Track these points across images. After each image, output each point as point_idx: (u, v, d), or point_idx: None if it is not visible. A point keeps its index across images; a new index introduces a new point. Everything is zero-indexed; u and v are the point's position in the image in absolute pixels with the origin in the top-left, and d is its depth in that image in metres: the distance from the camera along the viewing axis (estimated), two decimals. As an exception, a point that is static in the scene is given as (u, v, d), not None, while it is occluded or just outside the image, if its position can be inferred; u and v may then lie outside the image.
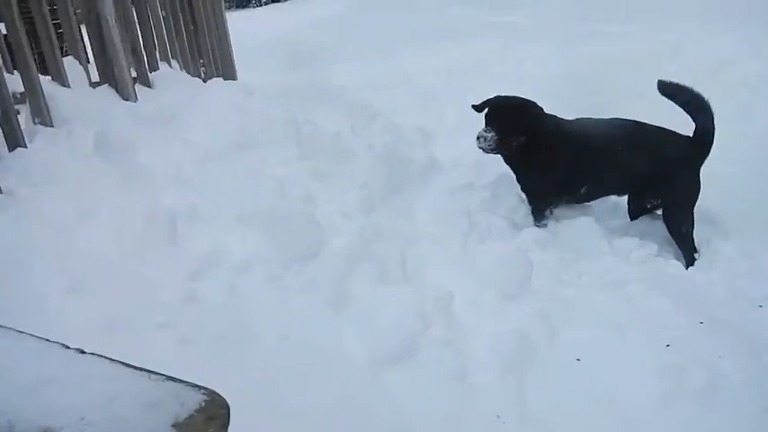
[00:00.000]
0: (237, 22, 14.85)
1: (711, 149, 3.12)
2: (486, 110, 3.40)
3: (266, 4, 18.85)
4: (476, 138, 3.31)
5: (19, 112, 2.67)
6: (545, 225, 3.39)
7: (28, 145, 2.56)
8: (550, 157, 3.28)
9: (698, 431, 1.84)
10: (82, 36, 3.35)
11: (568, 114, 3.49)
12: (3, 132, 2.50)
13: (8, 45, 2.72)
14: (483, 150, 3.32)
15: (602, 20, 8.83)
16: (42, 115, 2.72)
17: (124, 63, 3.36)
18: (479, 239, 2.97)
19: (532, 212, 3.46)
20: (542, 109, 3.33)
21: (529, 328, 2.26)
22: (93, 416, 0.89)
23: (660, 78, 3.17)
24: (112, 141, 2.70)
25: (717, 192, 3.51)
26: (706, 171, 3.32)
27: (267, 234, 2.39)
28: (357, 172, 3.31)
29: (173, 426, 0.92)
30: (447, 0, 14.14)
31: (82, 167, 2.48)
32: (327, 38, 10.51)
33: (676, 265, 3.08)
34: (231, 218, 2.44)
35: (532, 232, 3.28)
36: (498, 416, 1.88)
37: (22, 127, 2.60)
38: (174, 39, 4.38)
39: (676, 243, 3.23)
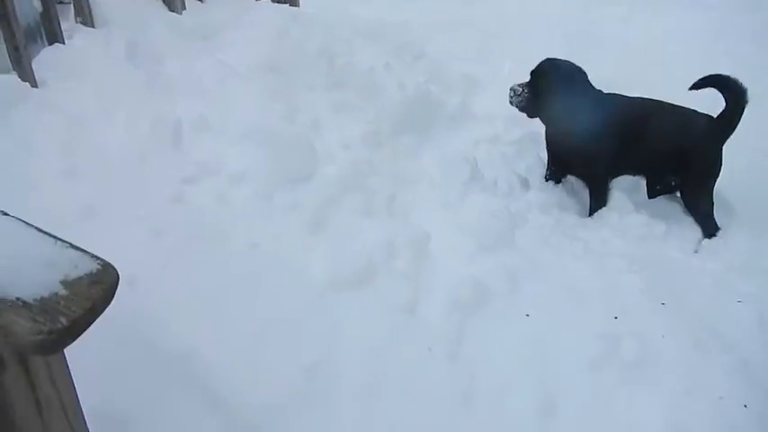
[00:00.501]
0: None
1: (736, 128, 3.05)
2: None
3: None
4: (509, 88, 3.28)
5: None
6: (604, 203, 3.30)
7: (66, 41, 2.77)
8: (591, 130, 3.15)
9: (613, 400, 1.92)
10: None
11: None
12: (43, 27, 2.71)
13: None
14: (512, 105, 3.28)
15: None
16: (84, 15, 2.91)
17: (175, -28, 3.50)
18: (480, 190, 3.02)
19: (592, 196, 3.35)
20: (587, 77, 3.25)
21: (490, 278, 2.36)
22: (-4, 262, 1.05)
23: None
24: (145, 48, 2.87)
25: (748, 180, 3.43)
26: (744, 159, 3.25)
27: (266, 153, 2.53)
28: (378, 108, 3.39)
29: (60, 282, 1.08)
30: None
31: (110, 69, 2.67)
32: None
33: (677, 249, 3.06)
34: (236, 133, 2.59)
35: (540, 194, 3.31)
36: (430, 348, 2.01)
37: (64, 24, 2.80)
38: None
39: (695, 218, 3.22)
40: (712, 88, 3.08)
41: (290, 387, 1.82)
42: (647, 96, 3.33)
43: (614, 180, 3.50)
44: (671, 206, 3.43)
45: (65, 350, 1.09)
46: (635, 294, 2.41)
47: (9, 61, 2.49)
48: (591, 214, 3.26)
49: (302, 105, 3.03)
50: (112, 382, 1.61)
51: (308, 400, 1.80)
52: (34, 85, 2.48)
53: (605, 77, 4.87)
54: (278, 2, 5.10)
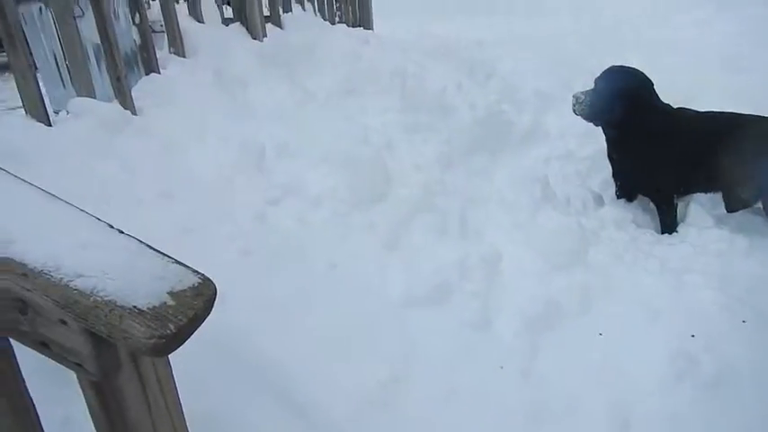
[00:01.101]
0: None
1: None
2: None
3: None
4: (572, 95, 3.26)
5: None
6: (675, 230, 3.21)
7: (161, 71, 3.00)
8: (655, 145, 3.12)
9: (690, 421, 1.89)
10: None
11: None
12: (141, 57, 2.96)
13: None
14: (576, 113, 3.25)
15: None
16: (176, 46, 3.15)
17: (255, 5, 3.72)
18: (552, 208, 3.03)
19: (659, 214, 3.28)
20: (653, 88, 3.17)
21: (562, 296, 2.38)
22: (114, 273, 1.20)
23: None
24: (230, 75, 3.08)
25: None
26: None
27: (342, 175, 2.66)
28: (449, 129, 3.47)
29: (168, 293, 1.21)
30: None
31: (199, 95, 2.88)
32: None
33: (760, 264, 2.95)
34: (315, 157, 2.74)
35: (615, 210, 3.28)
36: (502, 366, 2.06)
37: (159, 53, 3.05)
38: (311, -18, 4.70)
39: None
40: None
41: (367, 399, 1.90)
42: (718, 110, 3.22)
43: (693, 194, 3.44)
44: (754, 220, 3.31)
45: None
46: (714, 312, 2.36)
47: (112, 90, 2.74)
48: (663, 233, 3.19)
49: (377, 127, 3.15)
50: (205, 387, 1.74)
51: (383, 412, 1.88)
52: (134, 112, 2.71)
53: (682, 85, 4.79)
54: (353, 25, 5.33)
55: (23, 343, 1.30)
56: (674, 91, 4.39)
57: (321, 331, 2.00)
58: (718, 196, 3.41)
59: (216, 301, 1.90)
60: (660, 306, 2.37)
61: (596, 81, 3.19)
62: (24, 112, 2.34)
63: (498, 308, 2.31)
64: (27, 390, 1.24)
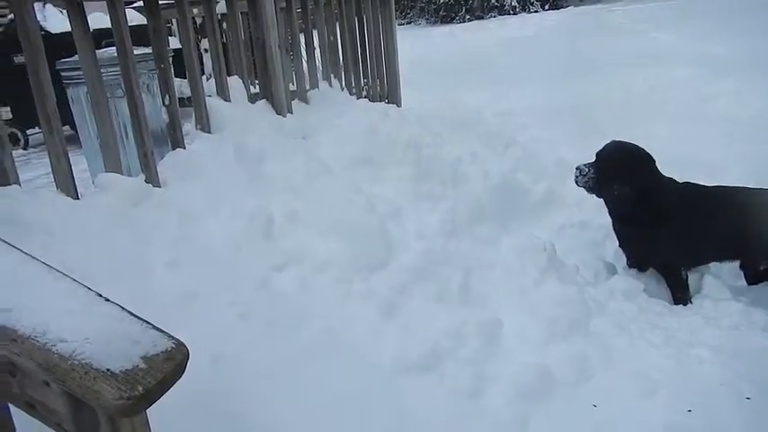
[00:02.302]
0: (436, 38, 15.59)
1: None
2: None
3: (469, 20, 19.48)
4: (575, 167, 3.34)
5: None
6: (690, 301, 3.24)
7: (186, 146, 3.24)
8: (659, 219, 3.19)
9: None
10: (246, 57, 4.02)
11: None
12: (169, 135, 3.21)
13: (179, 60, 3.42)
14: (578, 185, 3.33)
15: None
16: (203, 123, 3.40)
17: (281, 83, 3.98)
18: (557, 278, 3.06)
19: (669, 286, 3.32)
20: (654, 164, 3.25)
21: (559, 366, 2.39)
22: (95, 339, 1.32)
23: None
24: (250, 149, 3.28)
25: None
26: None
27: (347, 243, 2.78)
28: (459, 197, 3.58)
29: (141, 357, 1.33)
30: (659, 24, 13.51)
31: (219, 169, 3.08)
32: (510, 60, 10.73)
33: (774, 340, 2.89)
34: (323, 225, 2.87)
35: (625, 280, 3.29)
36: (491, 435, 2.08)
37: (186, 131, 3.29)
38: (339, 61, 4.98)
39: None
40: None
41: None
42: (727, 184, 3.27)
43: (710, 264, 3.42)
44: (774, 293, 3.26)
45: (150, 416, 1.32)
46: (715, 387, 2.33)
47: (140, 164, 2.98)
48: (676, 303, 3.18)
49: (386, 196, 3.28)
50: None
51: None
52: (157, 185, 2.92)
53: (708, 155, 4.79)
54: (380, 99, 5.57)
55: (15, 404, 1.44)
56: (702, 162, 4.43)
57: (312, 398, 2.08)
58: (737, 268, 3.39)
59: (209, 364, 2.02)
60: (658, 378, 2.35)
61: (597, 155, 3.28)
62: (56, 188, 2.58)
63: (492, 376, 2.34)
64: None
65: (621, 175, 3.19)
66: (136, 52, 3.04)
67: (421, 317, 2.53)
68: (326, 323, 2.39)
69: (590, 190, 3.31)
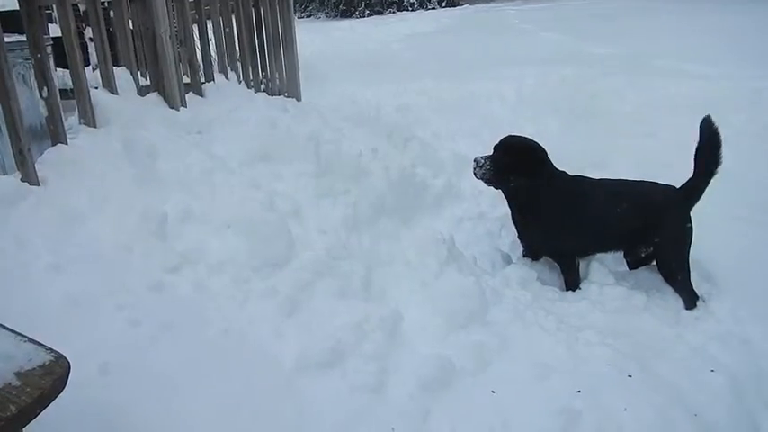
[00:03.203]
0: (336, 32, 15.59)
1: (701, 197, 3.18)
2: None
3: (369, 15, 19.61)
4: (473, 159, 3.44)
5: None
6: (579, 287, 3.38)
7: (69, 142, 3.02)
8: (552, 211, 3.33)
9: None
10: (135, 47, 3.83)
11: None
12: (48, 129, 2.98)
13: (61, 49, 3.19)
14: (477, 177, 3.42)
15: (691, 59, 8.65)
16: (87, 117, 3.19)
17: (174, 74, 3.81)
18: (456, 269, 3.13)
19: (562, 273, 3.46)
20: (547, 157, 3.38)
21: (459, 356, 2.45)
22: (-44, 356, 1.19)
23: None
24: (140, 145, 3.10)
25: (729, 249, 3.51)
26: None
27: (245, 241, 2.70)
28: (361, 192, 3.57)
29: (15, 373, 1.23)
30: (547, 25, 14.18)
31: (106, 166, 2.90)
32: (409, 56, 10.91)
33: (656, 320, 3.10)
34: (219, 223, 2.77)
35: (520, 269, 3.42)
36: (393, 429, 2.09)
37: (68, 125, 3.08)
38: (236, 53, 4.84)
39: (674, 289, 3.27)
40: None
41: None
42: (609, 176, 3.47)
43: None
44: (653, 276, 3.49)
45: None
46: (602, 367, 2.47)
47: (15, 162, 2.74)
48: (567, 290, 3.35)
49: (287, 192, 3.22)
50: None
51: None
52: (35, 183, 2.70)
53: (595, 149, 5.07)
54: (279, 93, 5.46)
55: None
56: (590, 156, 4.68)
57: (210, 402, 2.00)
58: (620, 255, 3.61)
59: (97, 375, 1.90)
60: (551, 363, 2.47)
61: (494, 148, 3.38)
62: None
63: (394, 369, 2.35)
64: None
65: (517, 167, 3.30)
66: (8, 39, 2.79)
67: (323, 314, 2.51)
68: (225, 324, 2.32)
69: (487, 182, 3.41)
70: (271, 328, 2.38)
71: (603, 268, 3.51)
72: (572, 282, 3.38)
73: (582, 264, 3.56)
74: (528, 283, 3.29)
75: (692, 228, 3.20)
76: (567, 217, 3.29)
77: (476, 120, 6.31)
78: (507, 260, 3.63)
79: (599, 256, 3.59)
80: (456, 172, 4.65)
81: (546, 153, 3.35)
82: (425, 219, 3.76)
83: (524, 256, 3.61)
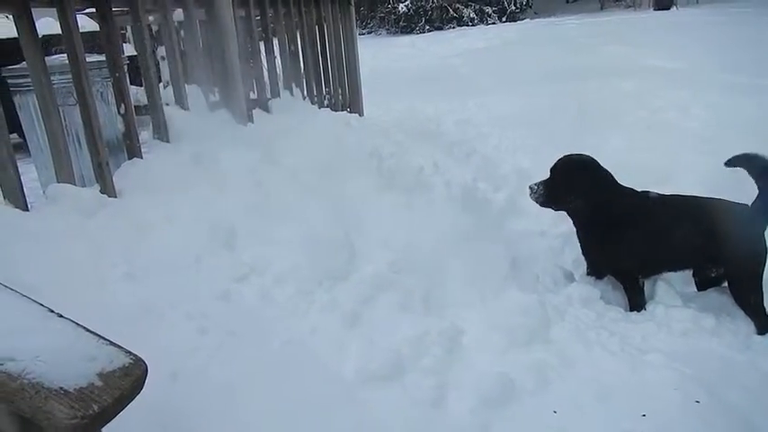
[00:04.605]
0: (397, 48, 15.70)
1: None
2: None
3: (429, 31, 19.73)
4: (527, 186, 3.41)
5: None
6: (644, 307, 3.27)
7: (144, 156, 3.17)
8: (616, 228, 3.24)
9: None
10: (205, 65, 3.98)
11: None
12: (125, 144, 3.14)
13: (137, 68, 3.35)
14: (536, 202, 3.39)
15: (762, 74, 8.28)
16: (160, 132, 3.34)
17: (242, 91, 3.94)
18: (517, 286, 3.10)
19: (626, 293, 3.36)
20: (604, 174, 3.30)
21: (520, 374, 2.41)
22: (47, 357, 1.28)
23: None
24: (210, 159, 3.23)
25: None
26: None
27: (309, 253, 2.76)
28: (423, 206, 3.59)
29: (97, 374, 1.29)
30: (607, 39, 13.90)
31: (177, 179, 3.02)
32: (469, 70, 10.89)
33: (725, 344, 2.97)
34: (285, 236, 2.85)
35: (583, 287, 3.33)
36: (452, 445, 2.08)
37: (143, 140, 3.23)
38: (300, 70, 4.97)
39: (746, 313, 3.13)
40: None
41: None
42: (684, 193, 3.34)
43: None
44: (723, 299, 3.36)
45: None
46: (668, 391, 2.38)
47: (94, 175, 2.90)
48: (631, 310, 3.25)
49: (349, 206, 3.28)
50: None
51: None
52: (113, 195, 2.85)
53: (658, 165, 4.93)
54: (342, 108, 5.57)
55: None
56: (654, 171, 4.55)
57: (271, 411, 2.04)
58: (689, 275, 3.48)
59: (167, 380, 1.97)
60: (615, 384, 2.40)
61: (551, 170, 3.35)
62: (2, 198, 2.49)
63: (453, 385, 2.34)
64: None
65: (574, 189, 3.26)
66: (89, 59, 2.96)
67: (384, 327, 2.53)
68: (289, 335, 2.37)
69: (544, 205, 3.38)
70: (332, 340, 2.42)
71: (670, 289, 3.40)
72: (636, 302, 3.28)
73: (648, 284, 3.46)
74: (591, 303, 3.21)
75: (766, 248, 3.06)
76: (628, 234, 3.21)
77: (537, 134, 6.22)
78: (570, 278, 3.56)
79: (666, 275, 3.48)
80: (517, 187, 4.59)
81: (605, 171, 3.28)
82: (486, 234, 3.73)
83: (588, 274, 3.53)
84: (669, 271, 3.38)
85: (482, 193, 4.13)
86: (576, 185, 3.24)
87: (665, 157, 5.22)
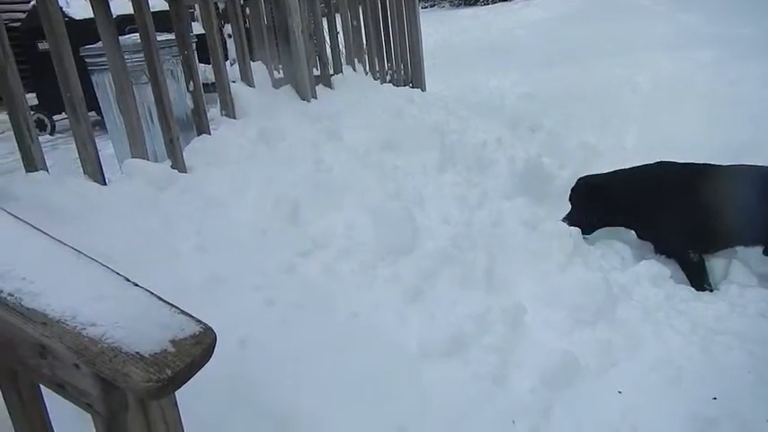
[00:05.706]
0: (459, 21, 15.40)
1: None
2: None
3: (493, 2, 19.23)
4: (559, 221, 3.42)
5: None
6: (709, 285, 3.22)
7: (212, 132, 3.25)
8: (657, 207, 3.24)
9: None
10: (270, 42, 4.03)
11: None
12: (194, 121, 3.23)
13: (203, 45, 3.42)
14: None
15: None
16: (228, 108, 3.41)
17: (305, 68, 3.98)
18: (583, 263, 3.04)
19: (683, 271, 3.31)
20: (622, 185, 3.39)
21: (584, 353, 2.38)
22: (124, 323, 1.34)
23: None
24: (275, 135, 3.29)
25: None
26: None
27: (372, 228, 2.78)
28: (487, 182, 3.56)
29: (170, 341, 1.35)
30: (682, 5, 13.19)
31: (244, 154, 3.09)
32: (534, 42, 10.57)
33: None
34: (347, 209, 2.88)
35: (653, 266, 3.24)
36: (513, 421, 2.08)
37: (211, 116, 3.31)
38: (363, 45, 4.96)
39: None
40: None
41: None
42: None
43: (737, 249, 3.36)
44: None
45: (179, 399, 1.34)
46: (742, 375, 2.30)
47: (165, 150, 3.00)
48: (697, 289, 3.13)
49: (412, 181, 3.28)
50: (222, 430, 1.86)
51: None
52: (183, 170, 2.94)
53: (737, 139, 4.69)
54: (404, 84, 5.54)
55: (45, 385, 1.47)
56: (731, 145, 4.33)
57: (335, 381, 2.09)
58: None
59: (237, 348, 2.04)
60: (684, 366, 2.33)
61: (570, 200, 3.41)
62: (83, 173, 2.61)
63: (516, 362, 2.34)
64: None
65: (595, 212, 3.40)
66: (159, 38, 3.05)
67: (445, 302, 2.53)
68: (352, 308, 2.41)
69: (584, 232, 3.36)
70: (395, 314, 2.44)
71: (745, 268, 3.26)
72: (697, 280, 3.17)
73: (722, 263, 3.32)
74: (661, 281, 3.12)
75: None
76: (670, 209, 3.11)
77: (605, 108, 6.01)
78: (638, 256, 3.46)
79: (741, 255, 3.33)
80: (583, 163, 4.48)
81: (615, 185, 3.38)
82: (551, 210, 3.66)
83: (656, 252, 3.43)
84: (729, 246, 3.25)
85: (546, 168, 4.04)
86: (593, 209, 3.40)
87: (743, 132, 4.96)
